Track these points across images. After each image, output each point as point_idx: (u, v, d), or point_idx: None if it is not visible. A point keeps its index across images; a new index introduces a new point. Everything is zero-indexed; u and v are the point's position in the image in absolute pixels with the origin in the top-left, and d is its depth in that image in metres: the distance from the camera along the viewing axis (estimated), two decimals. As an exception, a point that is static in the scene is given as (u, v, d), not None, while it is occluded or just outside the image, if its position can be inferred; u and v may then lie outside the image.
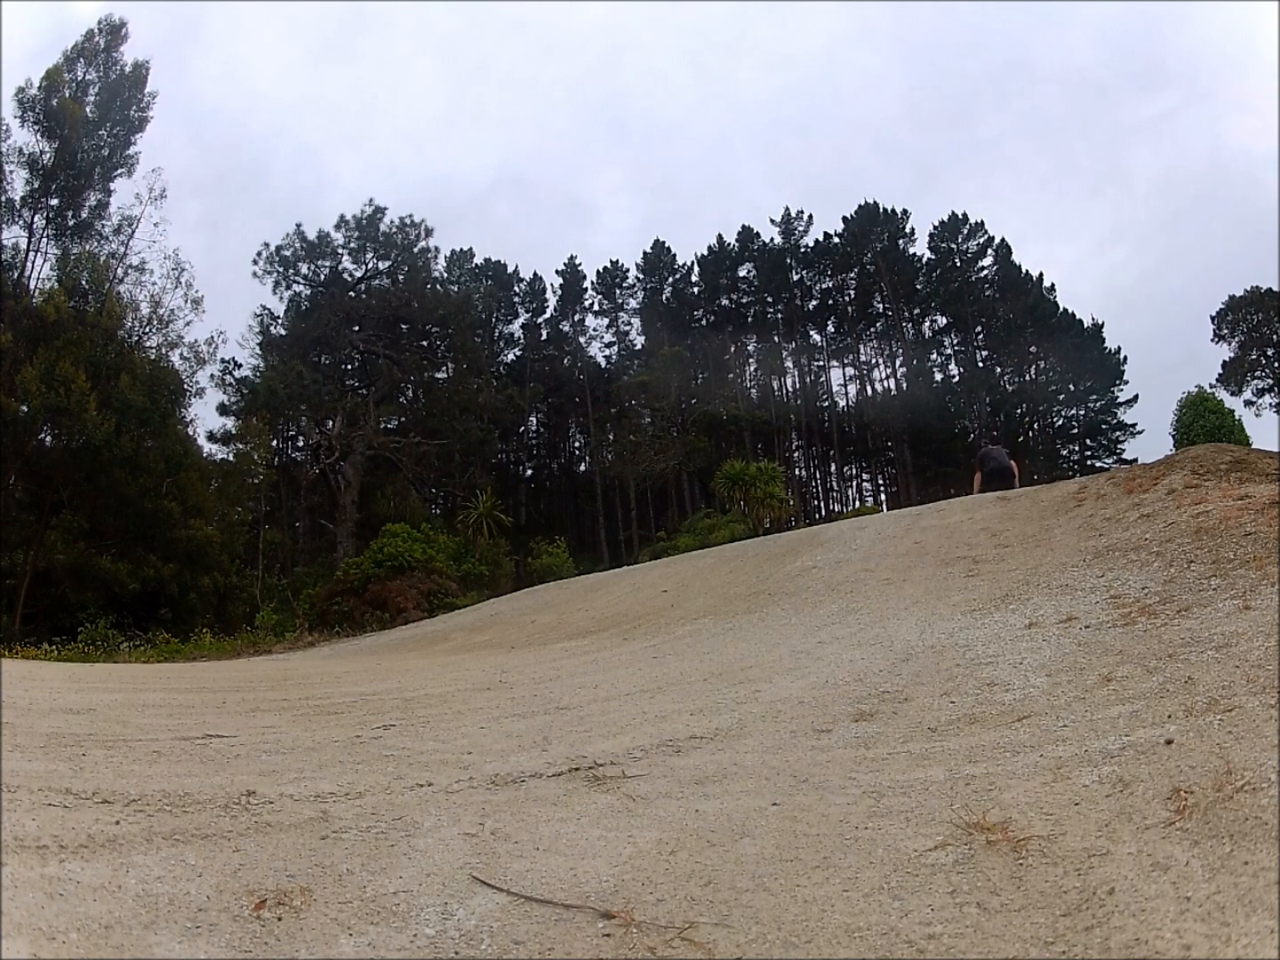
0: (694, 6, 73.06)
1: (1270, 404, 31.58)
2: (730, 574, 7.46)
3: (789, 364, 44.41)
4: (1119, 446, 39.21)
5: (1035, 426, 41.40)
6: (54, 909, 1.13)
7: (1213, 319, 33.47)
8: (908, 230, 43.25)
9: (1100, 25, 66.98)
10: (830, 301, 44.66)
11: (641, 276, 44.50)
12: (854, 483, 45.55)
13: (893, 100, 71.48)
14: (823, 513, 40.37)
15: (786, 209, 44.32)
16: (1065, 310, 40.72)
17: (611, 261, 44.70)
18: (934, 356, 43.55)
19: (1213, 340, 33.34)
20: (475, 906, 1.26)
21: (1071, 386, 39.88)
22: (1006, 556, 4.93)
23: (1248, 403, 31.65)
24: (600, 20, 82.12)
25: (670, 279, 44.69)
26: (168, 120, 49.12)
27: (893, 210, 43.20)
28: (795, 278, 44.39)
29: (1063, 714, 2.13)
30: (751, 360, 44.58)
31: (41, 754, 2.13)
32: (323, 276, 36.47)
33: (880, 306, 44.17)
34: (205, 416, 59.47)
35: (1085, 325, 39.92)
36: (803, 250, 44.26)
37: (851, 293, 44.35)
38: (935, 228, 43.06)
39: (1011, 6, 69.81)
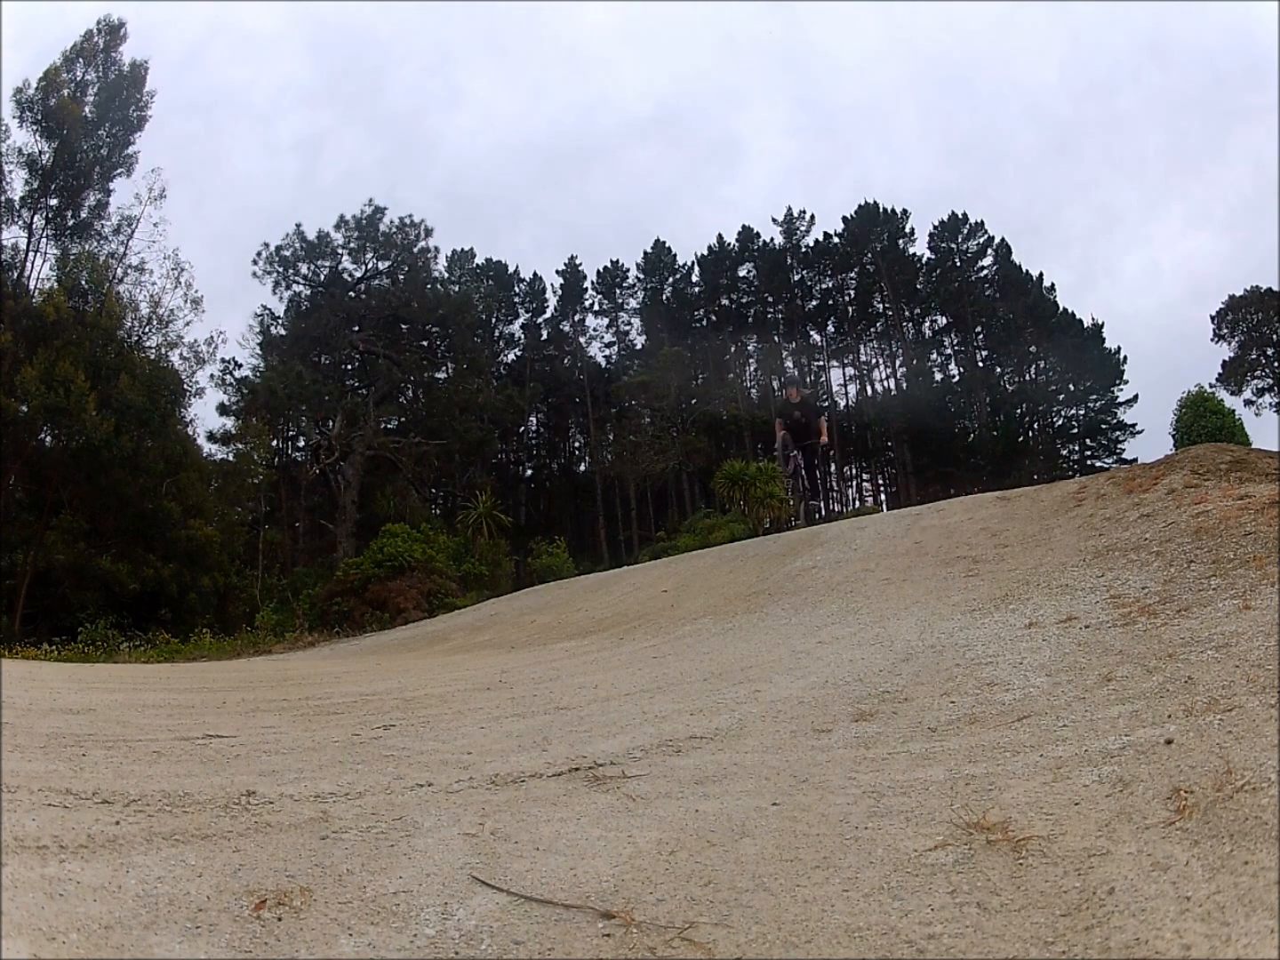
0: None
1: (1270, 404, 31.61)
2: (730, 574, 7.46)
3: (789, 364, 44.41)
4: (1119, 446, 39.23)
5: (1035, 426, 41.40)
6: (54, 909, 1.13)
7: (1213, 319, 33.51)
8: (908, 230, 43.27)
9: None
10: (830, 301, 44.66)
11: (641, 276, 44.51)
12: (854, 483, 45.56)
13: (1050, 67, 68.36)
14: (822, 513, 40.37)
15: (789, 208, 44.35)
16: (1065, 310, 40.74)
17: (612, 261, 44.77)
18: (934, 356, 43.56)
19: (1213, 340, 33.38)
20: (475, 906, 1.26)
21: (1071, 386, 39.89)
22: (1006, 556, 4.93)
23: (1248, 403, 31.71)
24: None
25: (670, 279, 44.68)
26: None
27: (892, 210, 43.23)
28: (795, 278, 44.38)
29: (1063, 714, 2.13)
30: (751, 360, 44.59)
31: (41, 754, 2.13)
32: (322, 276, 36.48)
33: (880, 306, 44.18)
34: (205, 416, 59.35)
35: (1085, 325, 39.94)
36: (803, 250, 44.27)
37: (851, 293, 44.35)
38: (935, 228, 43.09)
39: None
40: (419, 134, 67.73)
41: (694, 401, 38.75)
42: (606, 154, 71.39)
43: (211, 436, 29.56)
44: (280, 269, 35.76)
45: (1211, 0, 56.44)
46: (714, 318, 43.69)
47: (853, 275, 43.93)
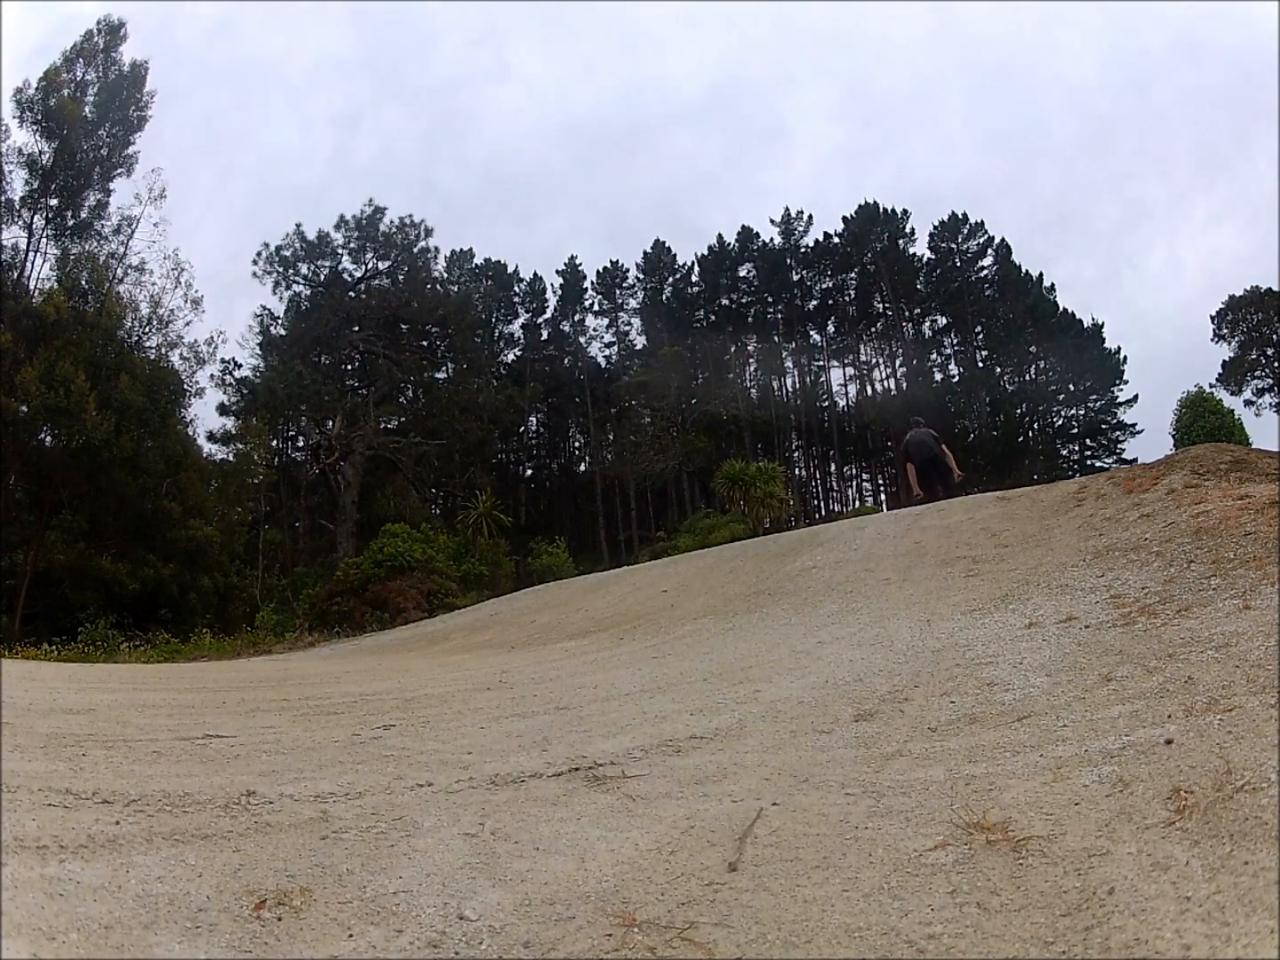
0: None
1: (1270, 404, 31.61)
2: (730, 574, 7.46)
3: (789, 364, 44.43)
4: (1119, 446, 39.21)
5: (1035, 426, 41.42)
6: (54, 909, 1.13)
7: (1213, 319, 33.50)
8: (908, 230, 43.25)
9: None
10: (830, 301, 44.64)
11: (641, 276, 44.51)
12: (854, 483, 45.56)
13: (1092, 62, 67.00)
14: (823, 513, 40.36)
15: (786, 209, 44.34)
16: (1065, 310, 40.74)
17: (611, 261, 44.78)
18: (934, 356, 43.55)
19: (1213, 340, 33.37)
20: (475, 906, 1.26)
21: (1071, 386, 39.88)
22: (1006, 556, 4.92)
23: (1248, 403, 31.70)
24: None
25: (670, 279, 44.68)
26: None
27: (892, 210, 43.22)
28: (795, 278, 44.37)
29: (1063, 714, 2.12)
30: (751, 360, 44.55)
31: (41, 754, 2.13)
32: (323, 276, 36.46)
33: (880, 306, 44.17)
34: (205, 416, 59.22)
35: (1085, 325, 39.93)
36: (803, 250, 44.27)
37: (851, 293, 44.34)
38: (935, 228, 43.07)
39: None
40: (456, 111, 67.84)
41: (694, 401, 38.74)
42: (649, 137, 70.50)
43: (211, 436, 29.53)
44: (280, 269, 35.76)
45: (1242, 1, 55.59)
46: (714, 318, 43.67)
47: (853, 275, 43.90)
